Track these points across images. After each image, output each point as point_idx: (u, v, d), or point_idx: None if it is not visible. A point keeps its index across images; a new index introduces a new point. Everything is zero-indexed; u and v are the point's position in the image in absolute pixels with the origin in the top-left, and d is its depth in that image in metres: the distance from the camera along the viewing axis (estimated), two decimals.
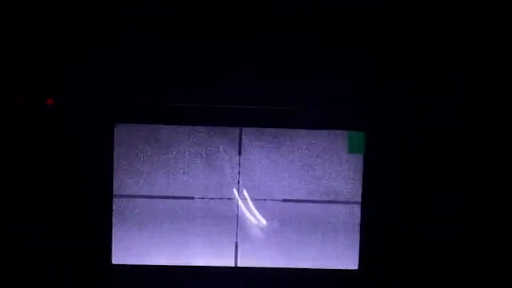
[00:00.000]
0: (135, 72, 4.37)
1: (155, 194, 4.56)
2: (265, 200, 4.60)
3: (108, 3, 4.28)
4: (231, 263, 4.61)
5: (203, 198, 4.59)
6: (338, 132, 4.60)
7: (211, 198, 4.59)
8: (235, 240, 4.61)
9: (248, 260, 4.61)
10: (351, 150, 4.60)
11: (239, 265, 4.61)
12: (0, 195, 4.32)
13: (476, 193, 4.51)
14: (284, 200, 4.60)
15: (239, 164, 4.58)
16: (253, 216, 4.59)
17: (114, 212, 4.50)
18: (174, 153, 4.55)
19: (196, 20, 4.35)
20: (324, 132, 4.60)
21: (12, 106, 4.29)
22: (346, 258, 4.63)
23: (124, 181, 4.52)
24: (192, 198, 4.59)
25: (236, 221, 4.61)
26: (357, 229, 4.62)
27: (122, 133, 4.49)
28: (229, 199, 4.60)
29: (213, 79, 4.41)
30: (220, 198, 4.60)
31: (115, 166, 4.48)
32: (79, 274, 4.41)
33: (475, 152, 4.49)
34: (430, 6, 4.38)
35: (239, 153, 4.58)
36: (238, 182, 4.59)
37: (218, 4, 4.34)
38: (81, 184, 4.37)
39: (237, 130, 4.56)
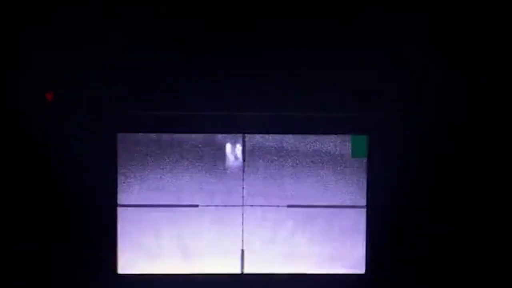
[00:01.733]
0: (137, 81, 4.38)
1: (160, 202, 4.56)
2: (270, 206, 4.59)
3: (111, 14, 4.30)
4: (237, 270, 4.60)
5: (208, 205, 4.58)
6: (342, 136, 4.59)
7: (216, 206, 4.58)
8: (241, 247, 4.60)
9: (255, 266, 4.61)
10: (354, 155, 4.59)
11: (245, 272, 4.59)
12: (4, 203, 4.33)
13: (478, 193, 4.51)
14: (289, 206, 4.59)
15: (243, 170, 4.58)
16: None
17: (119, 221, 4.49)
18: (177, 161, 4.55)
19: (199, 29, 4.36)
20: (328, 137, 4.59)
21: (16, 114, 4.31)
22: (353, 263, 4.62)
23: (129, 190, 4.52)
24: (197, 206, 4.58)
25: (242, 228, 4.60)
26: (363, 233, 4.61)
27: (125, 142, 4.50)
28: (234, 206, 4.59)
29: (215, 86, 4.41)
30: (225, 205, 4.59)
31: (119, 175, 4.48)
32: (85, 284, 4.41)
33: (477, 153, 4.49)
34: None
35: (243, 160, 4.58)
36: (243, 188, 4.58)
37: (220, 12, 4.36)
38: (85, 194, 4.37)
39: (240, 136, 4.56)
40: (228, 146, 4.56)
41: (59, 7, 4.26)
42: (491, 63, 4.45)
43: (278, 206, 4.59)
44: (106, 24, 4.31)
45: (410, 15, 4.40)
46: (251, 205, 4.59)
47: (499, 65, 4.45)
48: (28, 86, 4.30)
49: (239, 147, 4.57)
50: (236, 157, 4.57)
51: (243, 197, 4.58)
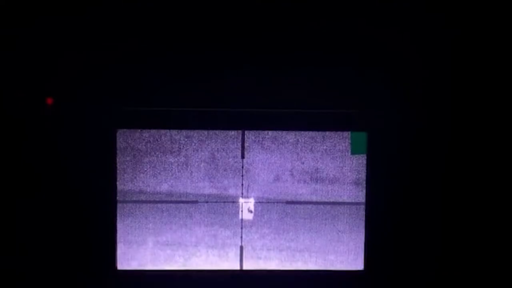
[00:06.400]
0: (136, 77, 4.38)
1: (159, 199, 4.57)
2: (268, 202, 4.59)
3: (109, 9, 4.31)
4: (236, 266, 4.61)
5: (207, 202, 4.59)
6: (341, 133, 4.59)
7: (215, 202, 4.59)
8: (240, 243, 4.61)
9: (254, 262, 4.61)
10: (354, 151, 4.59)
11: (244, 268, 4.60)
12: (3, 200, 4.35)
13: (477, 191, 4.50)
14: (287, 202, 4.60)
15: (242, 167, 4.58)
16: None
17: (118, 217, 4.51)
18: (177, 157, 4.55)
19: (196, 24, 4.37)
20: (327, 134, 4.59)
21: (13, 112, 4.32)
22: (352, 259, 4.62)
23: (128, 186, 4.53)
24: (196, 202, 4.59)
25: (241, 224, 4.60)
26: (362, 230, 4.61)
27: (125, 138, 4.51)
28: (233, 202, 4.59)
29: (214, 83, 4.42)
30: (224, 202, 4.60)
31: (118, 171, 4.49)
32: (84, 280, 4.42)
33: (476, 152, 4.49)
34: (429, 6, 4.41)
35: (242, 156, 4.58)
36: (242, 185, 4.59)
37: (217, 8, 4.36)
38: (85, 190, 4.39)
39: (239, 133, 4.57)
40: (228, 143, 4.57)
41: (58, 6, 4.28)
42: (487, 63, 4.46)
43: (276, 202, 4.60)
44: (105, 22, 4.32)
45: (409, 13, 4.41)
46: (250, 202, 4.59)
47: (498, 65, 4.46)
48: (28, 84, 4.32)
49: (238, 143, 4.57)
50: (235, 154, 4.57)
51: (242, 193, 4.59)
